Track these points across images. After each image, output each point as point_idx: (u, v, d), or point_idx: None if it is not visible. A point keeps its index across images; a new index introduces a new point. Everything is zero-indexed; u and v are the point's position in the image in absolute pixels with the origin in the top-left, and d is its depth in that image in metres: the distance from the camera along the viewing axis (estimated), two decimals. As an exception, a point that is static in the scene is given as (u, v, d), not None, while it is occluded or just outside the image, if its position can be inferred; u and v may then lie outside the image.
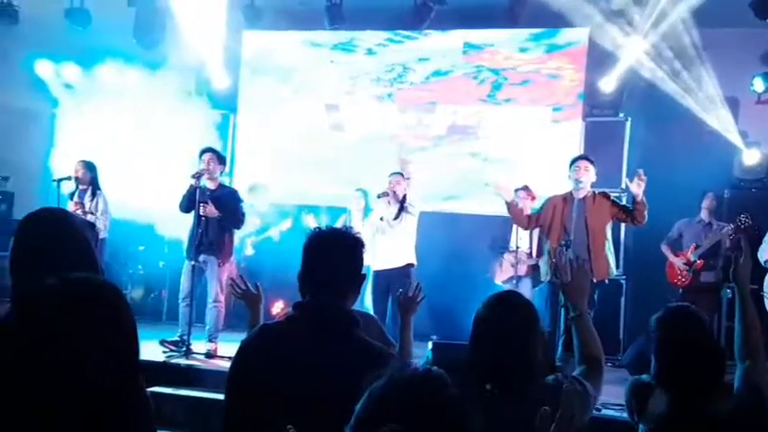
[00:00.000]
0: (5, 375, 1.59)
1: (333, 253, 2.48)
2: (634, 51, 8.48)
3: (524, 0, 8.16)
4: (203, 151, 7.47)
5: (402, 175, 7.62)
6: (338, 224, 7.65)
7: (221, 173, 7.61)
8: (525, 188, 8.11)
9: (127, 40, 9.67)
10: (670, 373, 2.71)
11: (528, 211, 7.02)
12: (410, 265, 7.40)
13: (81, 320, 1.62)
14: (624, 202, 8.52)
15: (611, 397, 4.99)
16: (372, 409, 1.33)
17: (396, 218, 7.45)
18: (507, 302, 2.55)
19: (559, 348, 5.80)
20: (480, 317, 2.51)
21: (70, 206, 7.68)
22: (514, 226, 7.79)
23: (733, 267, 2.98)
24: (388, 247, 7.34)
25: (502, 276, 8.39)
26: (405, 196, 7.44)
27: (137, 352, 1.74)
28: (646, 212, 6.48)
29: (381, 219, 7.52)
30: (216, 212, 7.21)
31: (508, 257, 8.28)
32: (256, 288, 3.55)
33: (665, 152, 8.64)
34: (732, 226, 7.79)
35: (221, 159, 7.57)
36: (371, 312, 7.13)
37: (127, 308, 1.73)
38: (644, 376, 2.87)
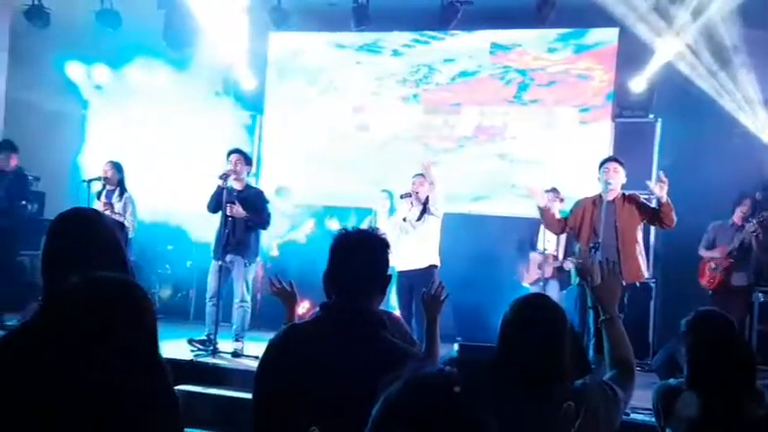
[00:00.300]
0: (30, 374, 1.60)
1: (359, 254, 2.48)
2: (667, 50, 8.38)
3: (553, 0, 8.09)
4: (230, 152, 7.52)
5: (425, 176, 7.60)
6: (364, 225, 7.66)
7: (248, 173, 7.65)
8: (554, 190, 8.05)
9: (156, 41, 9.75)
10: (700, 377, 2.68)
11: (556, 214, 6.95)
12: (433, 266, 7.37)
13: (105, 319, 1.63)
14: (654, 205, 8.48)
15: (641, 401, 4.94)
16: (387, 414, 1.32)
17: (418, 219, 7.43)
18: (535, 304, 2.52)
19: (590, 351, 5.74)
20: (508, 319, 2.48)
21: (98, 206, 7.75)
22: (542, 227, 7.76)
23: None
24: (410, 248, 7.32)
25: (529, 278, 8.35)
26: (428, 198, 7.41)
27: (158, 351, 1.75)
28: (673, 215, 6.39)
29: (404, 219, 7.51)
30: (243, 213, 7.25)
31: (535, 259, 8.23)
32: (290, 286, 3.66)
33: (696, 153, 8.54)
34: (755, 222, 7.69)
35: (248, 160, 7.61)
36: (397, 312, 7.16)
37: (151, 307, 1.74)
38: (671, 380, 2.85)
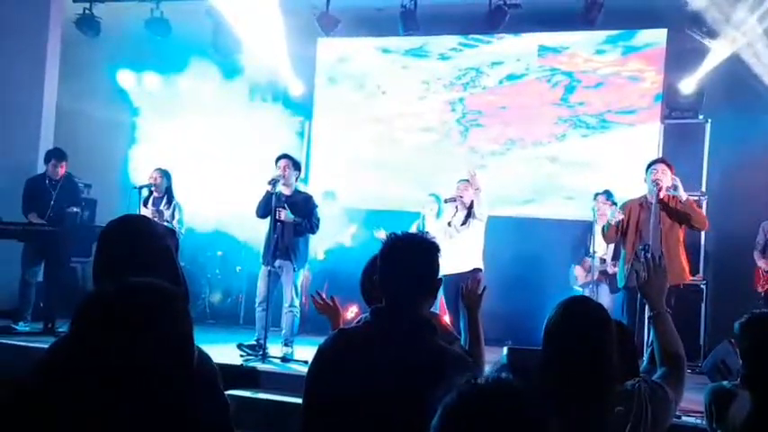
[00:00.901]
0: (61, 382, 1.63)
1: (409, 258, 2.48)
2: (719, 51, 8.25)
3: (601, 2, 8.03)
4: (279, 158, 7.58)
5: (469, 182, 7.58)
6: (412, 229, 7.67)
7: (297, 178, 7.71)
8: (606, 193, 8.01)
9: (205, 48, 9.88)
10: (756, 379, 2.65)
11: (607, 216, 6.93)
12: (477, 270, 7.36)
13: (138, 325, 1.65)
14: (703, 206, 8.37)
15: (692, 404, 4.88)
16: (448, 424, 1.33)
17: (463, 223, 7.43)
18: (577, 306, 2.51)
19: (645, 360, 5.67)
20: (551, 321, 2.48)
21: (146, 213, 7.89)
22: (595, 230, 7.71)
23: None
24: (455, 252, 7.29)
25: (580, 281, 8.30)
26: (472, 202, 7.40)
27: (192, 353, 1.77)
28: (700, 216, 6.35)
29: (449, 224, 7.51)
30: (291, 217, 7.32)
31: (586, 262, 8.18)
32: (333, 301, 3.68)
33: (747, 154, 8.39)
34: None
35: (296, 165, 7.67)
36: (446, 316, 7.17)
37: (183, 312, 1.76)
38: (725, 382, 2.81)
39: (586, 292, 7.78)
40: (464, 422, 1.31)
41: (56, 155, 8.40)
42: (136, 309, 1.69)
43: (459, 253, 7.27)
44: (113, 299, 1.71)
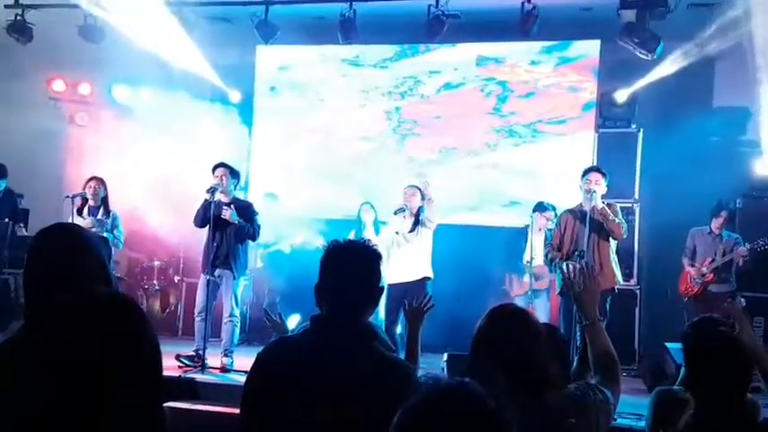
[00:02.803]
0: (19, 393, 1.59)
1: (351, 266, 2.47)
2: (651, 62, 8.48)
3: (536, 13, 8.16)
4: (216, 166, 7.52)
5: (418, 188, 7.61)
6: (350, 236, 7.67)
7: (235, 187, 7.65)
8: (541, 208, 8.12)
9: (142, 54, 9.71)
10: (699, 383, 2.71)
11: (543, 231, 7.16)
12: (426, 279, 7.39)
13: (99, 335, 1.61)
14: (637, 213, 8.59)
15: (627, 406, 4.99)
16: (407, 426, 1.33)
17: (411, 231, 7.46)
18: (503, 313, 2.54)
19: (575, 363, 5.78)
20: (478, 328, 2.51)
21: (82, 222, 7.71)
22: (529, 239, 7.87)
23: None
24: (403, 261, 7.33)
25: (517, 290, 8.39)
26: (420, 209, 7.45)
27: (159, 366, 1.74)
28: (615, 227, 6.56)
29: (397, 232, 7.53)
30: (236, 218, 7.24)
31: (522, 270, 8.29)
32: (279, 317, 3.86)
33: (676, 162, 8.63)
34: (748, 247, 7.80)
35: (234, 173, 7.61)
36: (383, 324, 7.14)
37: (145, 321, 1.73)
38: (675, 387, 2.87)
39: (523, 301, 7.87)
40: (424, 422, 1.31)
41: None
42: (102, 321, 1.64)
43: (408, 261, 7.30)
44: (77, 309, 1.66)
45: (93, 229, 7.48)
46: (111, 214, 8.04)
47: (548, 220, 7.97)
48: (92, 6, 9.02)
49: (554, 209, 8.06)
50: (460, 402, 1.32)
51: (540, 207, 8.18)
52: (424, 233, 7.46)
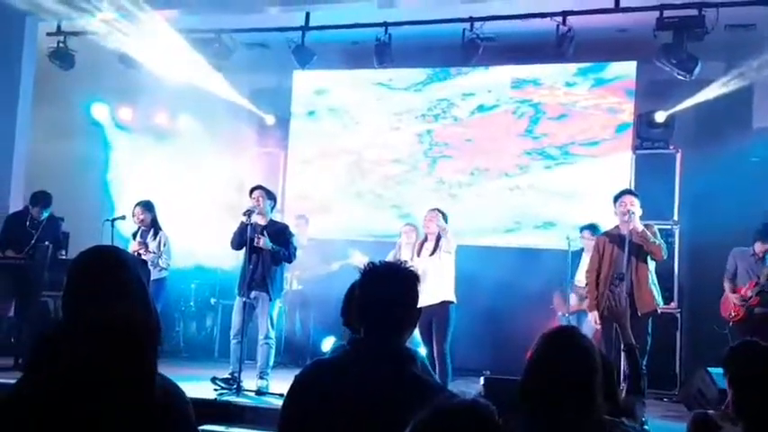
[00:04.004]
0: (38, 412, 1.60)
1: (388, 288, 2.45)
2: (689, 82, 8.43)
3: (571, 35, 8.15)
4: (253, 189, 7.59)
5: (439, 211, 7.53)
6: (389, 258, 7.65)
7: (272, 209, 7.70)
8: (590, 227, 8.11)
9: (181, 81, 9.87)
10: (744, 409, 2.66)
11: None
12: (448, 302, 7.32)
13: (99, 355, 1.61)
14: (677, 235, 8.48)
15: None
16: None
17: (432, 254, 7.40)
18: (564, 337, 2.50)
19: (623, 393, 5.71)
20: (536, 350, 2.47)
21: (133, 246, 7.85)
22: (582, 259, 7.94)
23: None
24: (425, 285, 7.25)
25: (565, 309, 8.35)
26: (440, 233, 7.38)
27: (152, 388, 1.72)
28: (654, 248, 6.49)
29: (418, 255, 7.50)
30: (270, 245, 7.29)
31: (565, 292, 8.24)
32: None
33: (716, 183, 8.53)
34: None
35: (271, 196, 7.67)
36: (417, 346, 7.12)
37: (149, 344, 1.72)
38: (710, 411, 2.83)
39: (570, 320, 7.85)
40: None
41: (42, 202, 8.36)
42: (102, 341, 1.65)
43: (430, 285, 7.24)
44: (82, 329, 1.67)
45: (141, 252, 7.60)
46: (158, 236, 8.10)
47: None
48: (124, 37, 9.18)
49: (598, 232, 8.06)
50: (468, 418, 1.33)
51: (588, 228, 8.15)
52: (445, 258, 7.39)
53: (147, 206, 8.14)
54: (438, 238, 7.38)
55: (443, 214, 7.46)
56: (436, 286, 7.19)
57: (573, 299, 8.25)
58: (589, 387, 2.37)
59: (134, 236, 8.11)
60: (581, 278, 7.83)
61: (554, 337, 2.49)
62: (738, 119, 9.15)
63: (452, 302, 7.31)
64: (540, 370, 2.42)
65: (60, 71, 9.90)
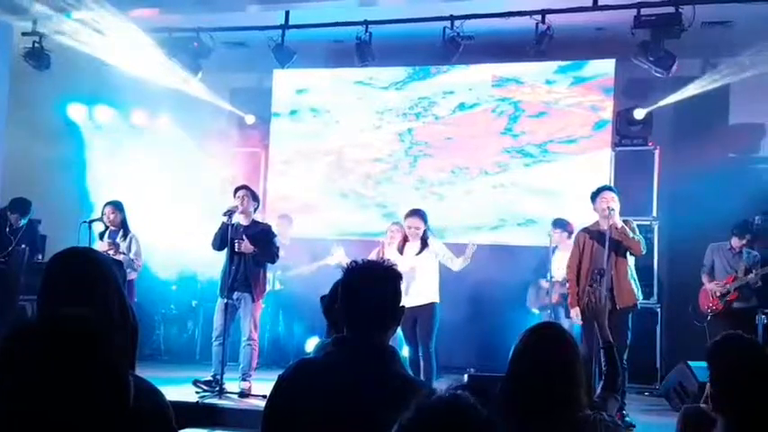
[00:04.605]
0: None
1: (371, 286, 2.46)
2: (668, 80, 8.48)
3: (550, 33, 8.19)
4: (237, 189, 7.56)
5: (421, 216, 7.45)
6: (371, 257, 7.63)
7: (255, 209, 7.67)
8: (560, 224, 8.16)
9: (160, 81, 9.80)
10: (726, 403, 2.67)
11: (567, 249, 7.30)
12: (433, 304, 7.32)
13: (55, 357, 1.57)
14: (656, 231, 8.54)
15: (652, 427, 4.94)
16: None
17: (418, 254, 7.38)
18: (546, 330, 2.55)
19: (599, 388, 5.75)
20: (519, 345, 2.51)
21: (101, 247, 7.70)
22: (554, 255, 8.04)
23: None
24: (411, 286, 7.23)
25: (536, 303, 8.42)
26: (425, 231, 7.37)
27: (122, 390, 1.67)
28: (633, 244, 6.55)
29: (401, 254, 7.49)
30: (251, 248, 7.26)
31: (543, 286, 8.29)
32: None
33: (695, 180, 8.60)
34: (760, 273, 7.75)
35: (255, 196, 7.64)
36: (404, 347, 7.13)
37: (106, 344, 1.67)
38: (702, 405, 2.83)
39: (544, 316, 7.92)
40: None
41: (20, 210, 8.29)
42: (58, 341, 1.61)
43: (415, 285, 7.23)
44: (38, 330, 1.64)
45: (110, 252, 7.47)
46: (129, 237, 8.03)
47: (570, 235, 7.99)
48: (101, 36, 9.09)
49: (565, 227, 8.13)
50: (454, 413, 1.33)
51: (556, 224, 8.20)
52: (430, 258, 7.38)
53: (117, 206, 8.06)
54: (424, 239, 7.37)
55: (425, 218, 7.40)
56: (421, 286, 7.18)
57: (534, 294, 8.35)
58: (572, 381, 2.39)
59: (101, 236, 7.98)
60: (554, 274, 7.94)
61: (536, 330, 2.54)
62: (716, 115, 9.25)
63: (437, 303, 7.31)
64: (523, 364, 2.45)
65: (36, 71, 9.78)
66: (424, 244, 7.37)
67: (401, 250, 7.44)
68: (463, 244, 7.59)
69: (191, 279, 9.80)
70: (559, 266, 7.84)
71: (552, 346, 2.46)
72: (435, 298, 7.30)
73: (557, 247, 8.22)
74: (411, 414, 1.36)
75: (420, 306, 7.02)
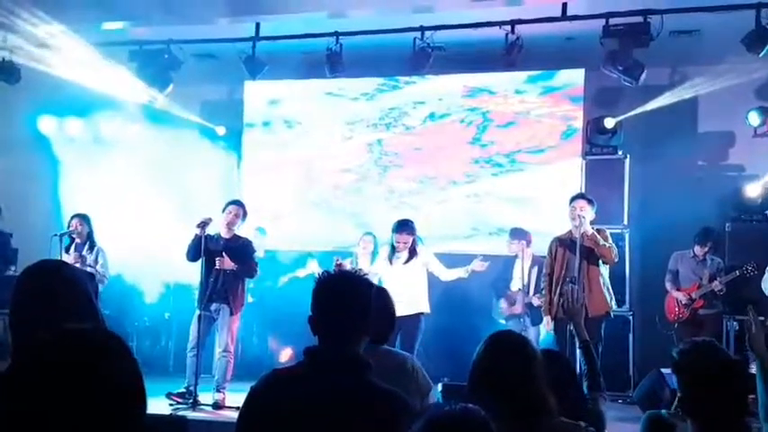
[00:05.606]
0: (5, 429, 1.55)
1: (343, 296, 2.47)
2: (632, 89, 8.58)
3: (520, 44, 8.25)
4: (229, 203, 7.55)
5: (409, 229, 7.52)
6: (345, 267, 7.64)
7: (240, 225, 7.64)
8: (517, 233, 8.20)
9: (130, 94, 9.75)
10: (696, 408, 2.70)
11: (528, 258, 7.49)
12: (420, 314, 7.34)
13: (80, 374, 1.56)
14: (627, 239, 8.63)
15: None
16: None
17: (406, 262, 7.42)
18: (500, 340, 2.58)
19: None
20: (477, 356, 2.56)
21: (68, 259, 7.66)
22: (516, 265, 7.98)
23: (747, 336, 3.05)
24: (400, 295, 7.26)
25: (505, 314, 8.47)
26: (414, 241, 7.43)
27: (142, 404, 1.67)
28: (605, 251, 6.64)
29: (390, 263, 7.51)
30: (232, 264, 7.24)
31: (509, 296, 8.35)
32: None
33: (665, 188, 8.70)
34: (725, 280, 7.82)
35: (245, 214, 7.61)
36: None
37: (130, 357, 1.67)
38: (662, 411, 2.87)
39: (511, 325, 7.95)
40: None
41: None
42: (82, 359, 1.59)
43: (404, 295, 7.24)
44: (57, 347, 1.62)
45: (78, 265, 7.42)
46: (95, 249, 7.99)
47: (528, 243, 8.07)
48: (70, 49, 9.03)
49: (522, 236, 8.19)
50: (463, 425, 1.34)
51: (514, 233, 8.24)
52: (419, 267, 7.42)
53: (84, 218, 8.05)
54: (412, 248, 7.41)
55: (413, 230, 7.46)
56: (410, 297, 7.20)
57: (503, 304, 8.40)
58: (530, 386, 2.43)
59: (67, 249, 7.93)
60: (515, 284, 8.05)
61: (492, 341, 2.60)
62: (684, 124, 9.35)
63: (424, 313, 7.35)
64: (481, 375, 2.49)
65: (6, 85, 9.68)
66: (413, 253, 7.41)
67: (390, 260, 7.48)
68: (438, 253, 7.66)
69: (164, 291, 9.72)
70: (520, 275, 7.93)
71: (507, 353, 2.50)
72: (423, 308, 7.36)
73: (516, 256, 8.27)
74: (420, 426, 1.37)
75: (407, 316, 7.04)
